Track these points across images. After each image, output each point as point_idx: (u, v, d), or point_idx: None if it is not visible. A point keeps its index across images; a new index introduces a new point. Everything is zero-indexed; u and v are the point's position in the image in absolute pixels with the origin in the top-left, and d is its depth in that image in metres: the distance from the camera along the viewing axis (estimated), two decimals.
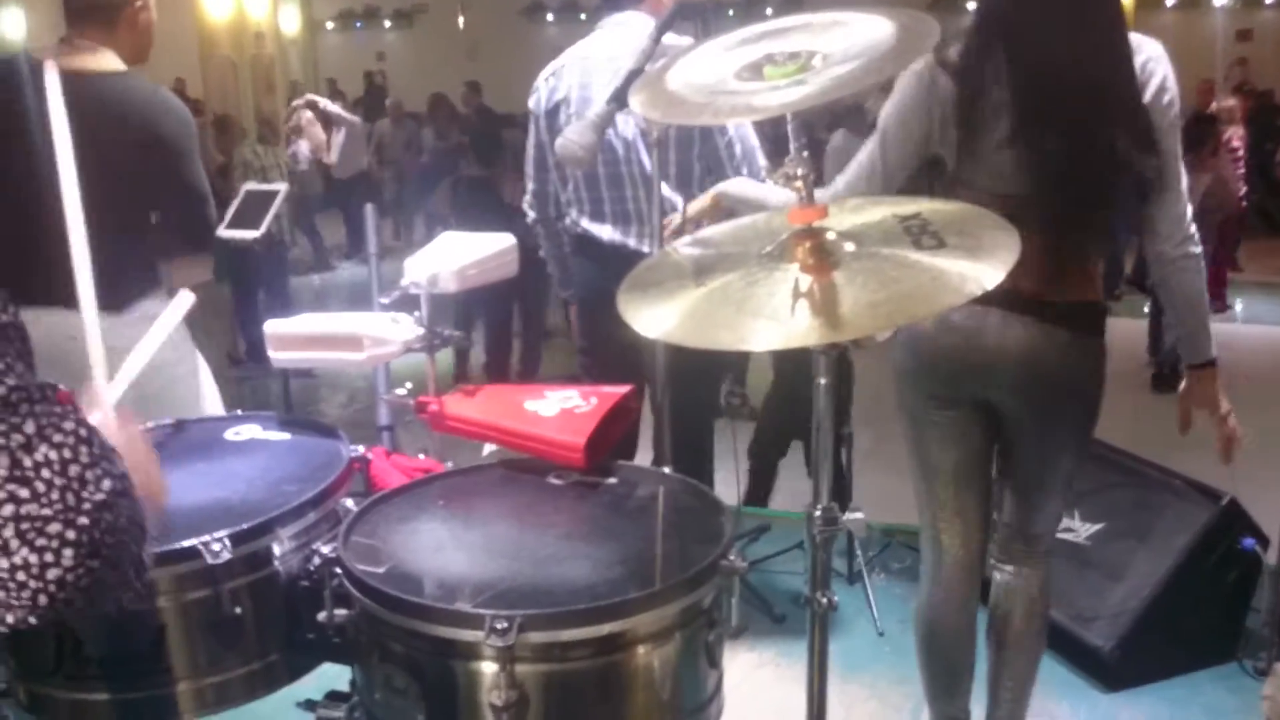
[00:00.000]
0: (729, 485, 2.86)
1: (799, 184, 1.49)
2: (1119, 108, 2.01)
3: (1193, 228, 2.08)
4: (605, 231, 2.87)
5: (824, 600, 1.57)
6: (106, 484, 0.84)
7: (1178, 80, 2.07)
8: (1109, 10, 2.04)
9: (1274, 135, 10.37)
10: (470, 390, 1.82)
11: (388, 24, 19.29)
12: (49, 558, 0.81)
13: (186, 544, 1.42)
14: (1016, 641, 2.37)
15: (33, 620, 0.83)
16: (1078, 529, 3.27)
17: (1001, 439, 2.25)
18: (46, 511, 0.80)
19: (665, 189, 2.63)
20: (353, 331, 1.83)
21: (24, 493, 0.80)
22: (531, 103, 2.97)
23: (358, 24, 19.51)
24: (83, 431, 0.84)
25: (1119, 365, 2.24)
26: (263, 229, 3.22)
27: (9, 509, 0.79)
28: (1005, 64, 2.01)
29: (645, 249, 2.74)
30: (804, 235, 1.49)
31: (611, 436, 1.74)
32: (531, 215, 3.08)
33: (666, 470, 1.69)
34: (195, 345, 2.86)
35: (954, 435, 2.24)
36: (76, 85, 2.52)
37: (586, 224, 2.90)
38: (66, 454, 0.82)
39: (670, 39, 2.48)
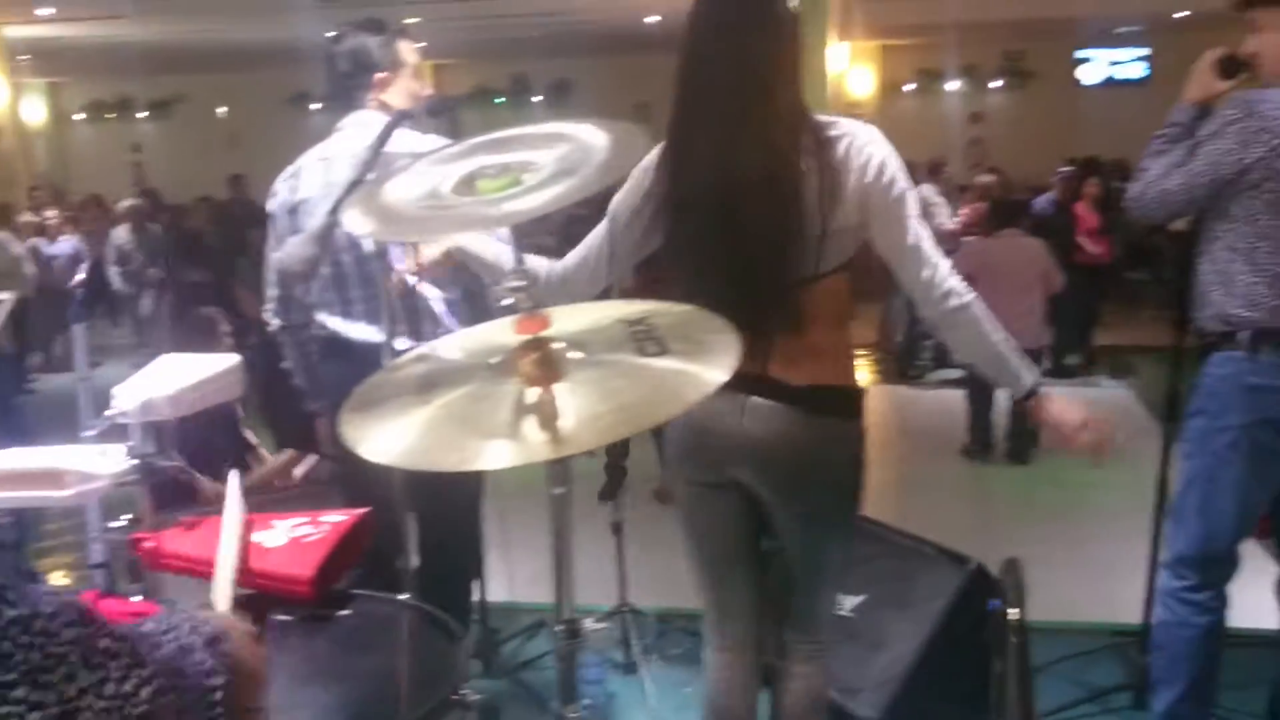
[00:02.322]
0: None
1: (522, 297, 1.48)
2: (776, 200, 2.03)
3: (950, 281, 2.07)
4: (357, 331, 2.76)
5: (574, 717, 1.54)
6: (145, 691, 0.84)
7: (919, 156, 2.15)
8: (769, 109, 2.03)
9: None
10: (192, 523, 1.70)
11: (143, 114, 18.49)
12: None
13: None
14: None
15: None
16: (842, 602, 3.34)
17: (765, 525, 2.28)
18: None
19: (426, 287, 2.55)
20: (53, 466, 1.68)
21: None
22: (272, 205, 2.85)
23: (110, 115, 18.63)
24: (108, 644, 0.84)
25: (935, 434, 2.30)
26: None
27: None
28: (672, 163, 2.07)
29: (399, 347, 2.66)
30: (530, 346, 1.47)
31: (347, 561, 1.65)
32: (275, 323, 2.93)
33: (403, 597, 1.62)
34: None
35: (719, 519, 2.27)
36: None
37: (337, 325, 2.79)
38: (101, 674, 0.81)
39: (412, 141, 2.44)
